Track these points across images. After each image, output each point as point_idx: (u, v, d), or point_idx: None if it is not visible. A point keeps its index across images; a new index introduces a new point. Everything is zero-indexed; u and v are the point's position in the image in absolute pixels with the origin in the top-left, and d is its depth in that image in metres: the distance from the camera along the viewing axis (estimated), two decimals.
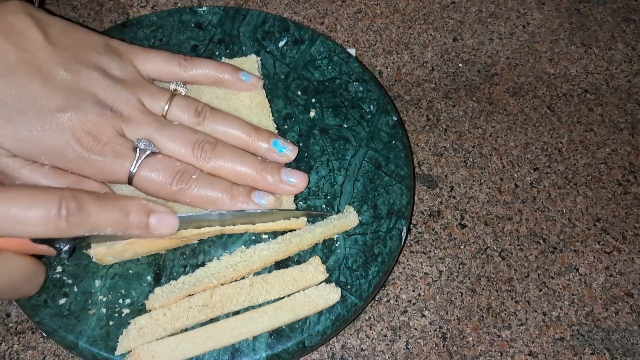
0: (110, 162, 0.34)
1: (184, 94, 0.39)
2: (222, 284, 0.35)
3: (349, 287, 0.36)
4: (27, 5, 0.36)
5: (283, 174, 0.37)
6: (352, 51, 0.48)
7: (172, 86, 0.39)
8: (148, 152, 0.34)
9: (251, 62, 0.42)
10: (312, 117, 0.42)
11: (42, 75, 0.34)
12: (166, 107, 0.37)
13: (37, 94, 0.33)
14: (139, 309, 0.35)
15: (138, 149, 0.34)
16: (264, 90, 0.41)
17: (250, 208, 0.35)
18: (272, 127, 0.40)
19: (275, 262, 0.36)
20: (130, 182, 0.34)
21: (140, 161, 0.34)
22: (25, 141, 0.33)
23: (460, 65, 0.50)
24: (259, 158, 0.37)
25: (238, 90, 0.40)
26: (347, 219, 0.37)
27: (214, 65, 0.40)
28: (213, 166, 0.36)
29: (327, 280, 0.36)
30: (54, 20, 0.36)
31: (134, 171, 0.34)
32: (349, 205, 0.38)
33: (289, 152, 0.38)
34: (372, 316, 0.39)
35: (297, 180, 0.37)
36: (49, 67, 0.34)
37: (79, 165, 0.34)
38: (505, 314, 0.39)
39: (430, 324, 0.38)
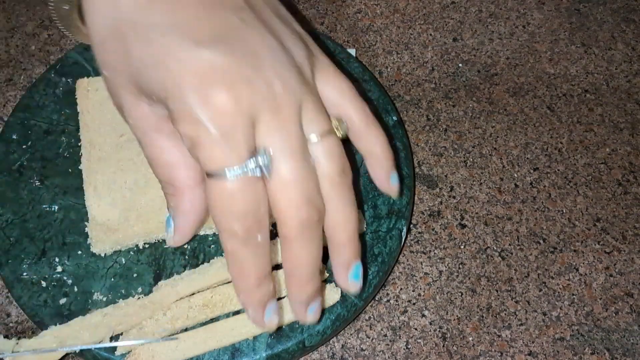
0: (217, 140, 0.26)
1: (340, 136, 0.30)
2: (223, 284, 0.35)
3: None
4: None
5: (312, 303, 0.30)
6: (352, 51, 0.48)
7: (335, 122, 0.30)
8: (258, 172, 0.26)
9: None
10: None
11: (205, 10, 0.27)
12: (315, 139, 0.28)
13: (186, 17, 0.27)
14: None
15: (254, 158, 0.26)
16: None
17: (251, 312, 0.29)
18: None
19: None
20: (207, 177, 0.26)
21: (244, 173, 0.26)
22: (148, 69, 0.27)
23: (460, 65, 0.50)
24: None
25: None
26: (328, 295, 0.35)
27: (383, 146, 0.32)
28: (289, 250, 0.28)
29: (327, 280, 0.36)
30: None
31: (229, 177, 0.26)
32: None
33: (355, 286, 0.31)
34: (372, 316, 0.39)
35: (313, 317, 0.30)
36: (218, 6, 0.27)
37: (181, 116, 0.26)
38: (505, 314, 0.39)
39: (430, 323, 0.38)
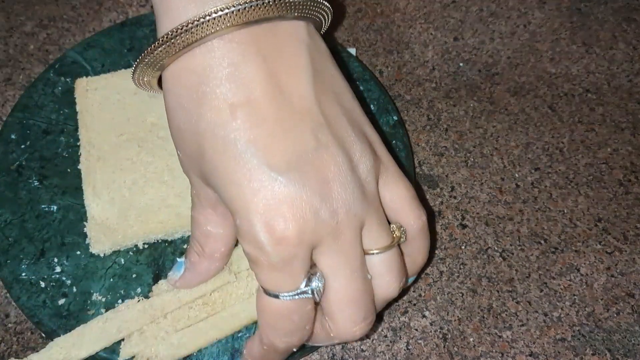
0: (276, 267, 0.27)
1: (399, 242, 0.31)
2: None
3: None
4: (313, 36, 0.29)
5: None
6: (353, 50, 0.48)
7: (397, 232, 0.30)
8: (309, 295, 0.27)
9: None
10: None
11: (282, 122, 0.27)
12: (375, 253, 0.29)
13: (262, 139, 0.26)
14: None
15: (306, 282, 0.27)
16: None
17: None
18: None
19: None
20: (263, 290, 0.28)
21: (296, 296, 0.27)
22: (216, 181, 0.27)
23: (461, 64, 0.50)
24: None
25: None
26: None
27: (424, 256, 0.33)
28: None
29: None
30: (329, 64, 0.30)
31: (281, 298, 0.27)
32: None
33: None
34: None
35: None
36: (297, 117, 0.27)
37: (251, 237, 0.27)
38: (506, 315, 0.39)
39: (431, 324, 0.38)
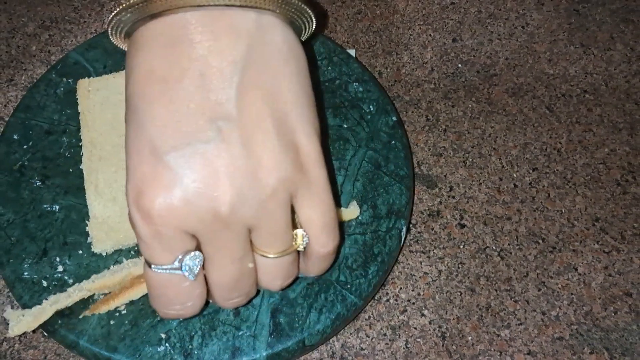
0: (144, 240, 0.27)
1: (300, 248, 0.30)
2: None
3: (348, 286, 0.36)
4: (265, 29, 0.28)
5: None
6: (352, 52, 0.48)
7: (299, 240, 0.30)
8: (181, 271, 0.28)
9: None
10: None
11: (186, 112, 0.27)
12: (261, 254, 0.29)
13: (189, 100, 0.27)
14: (140, 308, 0.35)
15: (182, 259, 0.28)
16: None
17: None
18: None
19: None
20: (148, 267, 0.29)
21: (166, 271, 0.28)
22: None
23: (459, 65, 0.50)
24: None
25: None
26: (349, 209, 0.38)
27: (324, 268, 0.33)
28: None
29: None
30: (278, 63, 0.28)
31: (155, 270, 0.28)
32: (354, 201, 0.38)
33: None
34: (371, 315, 0.39)
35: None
36: (203, 111, 0.27)
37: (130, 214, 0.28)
38: (504, 314, 0.39)
39: (430, 323, 0.39)
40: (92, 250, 0.36)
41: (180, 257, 0.27)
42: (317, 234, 0.29)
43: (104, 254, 0.36)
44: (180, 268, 0.28)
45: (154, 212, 0.26)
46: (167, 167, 0.26)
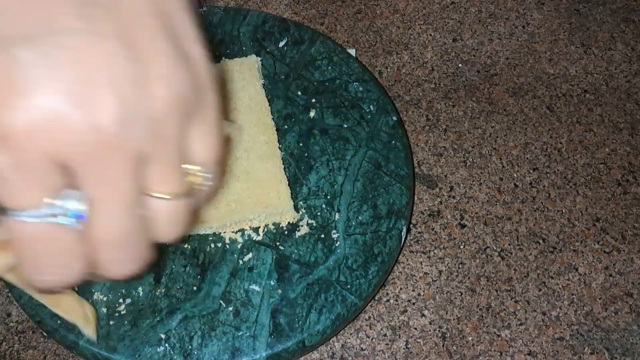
0: (2, 172, 0.19)
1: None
2: None
3: (348, 286, 0.36)
4: None
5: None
6: (352, 51, 0.48)
7: (196, 176, 0.23)
8: (62, 218, 0.21)
9: (251, 63, 0.42)
10: (312, 117, 0.42)
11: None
12: (157, 195, 0.22)
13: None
14: (140, 309, 0.35)
15: (62, 201, 0.21)
16: (264, 90, 0.42)
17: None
18: (271, 126, 0.40)
19: (277, 263, 0.36)
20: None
21: (37, 219, 0.21)
22: None
23: (460, 65, 0.50)
24: None
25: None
26: None
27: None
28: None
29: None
30: None
31: (23, 218, 0.21)
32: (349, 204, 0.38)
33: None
34: (372, 316, 0.39)
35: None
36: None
37: None
38: (504, 314, 0.39)
39: (430, 323, 0.38)
40: None
41: (52, 197, 0.20)
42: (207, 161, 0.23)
43: None
44: (54, 214, 0.20)
45: (10, 132, 0.18)
46: (19, 64, 0.18)
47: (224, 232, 0.37)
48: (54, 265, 0.22)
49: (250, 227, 0.37)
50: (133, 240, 0.22)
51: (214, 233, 0.37)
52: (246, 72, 0.41)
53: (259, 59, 0.43)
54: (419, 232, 0.42)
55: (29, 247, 0.21)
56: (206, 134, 0.23)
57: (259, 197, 0.37)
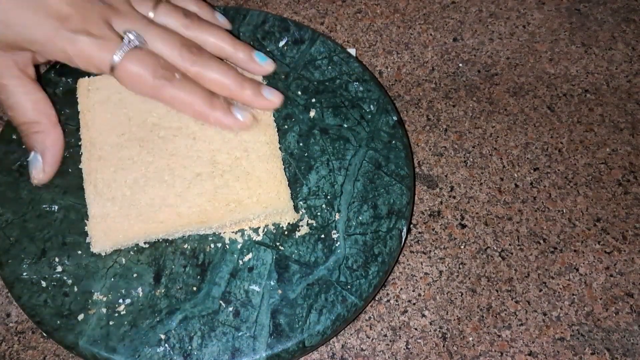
0: (96, 45, 0.34)
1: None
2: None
3: (349, 287, 0.36)
4: None
5: (262, 89, 0.38)
6: (352, 51, 0.48)
7: None
8: (136, 43, 0.35)
9: None
10: (312, 117, 0.42)
11: None
12: (151, 14, 0.37)
13: None
14: (139, 309, 0.35)
15: (126, 38, 0.35)
16: None
17: (226, 122, 0.37)
18: (272, 126, 0.40)
19: (277, 263, 0.36)
20: (112, 71, 0.35)
21: (126, 51, 0.35)
22: (14, 24, 0.34)
23: (460, 65, 0.50)
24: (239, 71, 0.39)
25: (250, 72, 0.40)
26: None
27: (226, 37, 0.39)
28: (197, 70, 0.36)
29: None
30: None
31: (118, 60, 0.35)
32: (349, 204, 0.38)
33: (268, 64, 0.40)
34: (372, 316, 0.39)
35: (273, 97, 0.39)
36: None
37: (63, 47, 0.34)
38: (505, 314, 0.39)
39: (431, 324, 0.38)
40: (91, 250, 0.36)
41: (121, 36, 0.35)
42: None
43: (103, 254, 0.36)
44: (133, 40, 0.35)
45: (70, 11, 0.35)
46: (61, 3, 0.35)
47: (224, 232, 0.37)
48: (180, 88, 0.36)
49: (250, 227, 0.37)
50: (168, 35, 0.37)
51: (214, 233, 0.37)
52: (246, 72, 0.41)
53: None
54: (419, 232, 0.42)
55: (135, 72, 0.35)
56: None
57: (259, 197, 0.36)
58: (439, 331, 0.38)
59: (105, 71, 0.36)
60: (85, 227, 0.37)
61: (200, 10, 0.40)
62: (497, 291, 0.40)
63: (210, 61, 0.37)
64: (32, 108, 0.36)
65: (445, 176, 0.44)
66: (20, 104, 0.36)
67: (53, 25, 0.34)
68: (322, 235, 0.37)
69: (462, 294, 0.39)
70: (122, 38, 0.35)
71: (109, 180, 0.37)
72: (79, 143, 0.40)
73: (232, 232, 0.37)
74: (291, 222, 0.38)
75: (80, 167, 0.39)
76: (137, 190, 0.37)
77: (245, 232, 0.37)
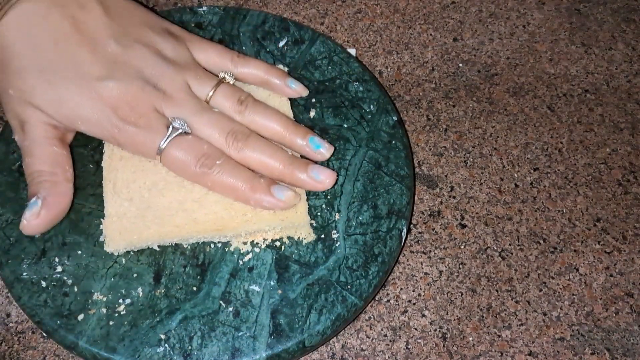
0: (143, 134, 0.35)
1: (231, 82, 0.40)
2: None
3: (349, 287, 0.36)
4: None
5: (311, 171, 0.37)
6: (352, 51, 0.48)
7: (221, 74, 0.39)
8: (180, 131, 0.36)
9: None
10: (312, 117, 0.42)
11: (92, 45, 0.35)
12: (211, 93, 0.38)
13: (83, 61, 0.35)
14: (139, 309, 0.35)
15: (171, 127, 0.36)
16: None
17: (266, 204, 0.36)
18: (289, 113, 0.40)
19: (277, 263, 0.36)
20: (158, 155, 0.36)
21: (171, 138, 0.35)
22: (66, 106, 0.35)
23: (460, 65, 0.50)
24: (290, 153, 0.38)
25: (284, 95, 0.41)
26: None
27: (265, 67, 0.41)
28: (243, 156, 0.36)
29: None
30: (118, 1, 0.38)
31: (163, 146, 0.35)
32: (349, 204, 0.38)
33: (325, 150, 0.38)
34: (372, 316, 0.39)
35: (324, 177, 0.37)
36: (101, 38, 0.36)
37: (112, 134, 0.36)
38: (505, 314, 0.39)
39: (431, 324, 0.38)
40: (105, 249, 0.36)
41: (169, 127, 0.36)
42: (219, 55, 0.41)
43: (115, 253, 0.36)
44: (177, 129, 0.36)
45: (127, 105, 0.36)
46: (116, 83, 0.35)
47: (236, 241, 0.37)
48: (224, 171, 0.36)
49: (264, 238, 0.37)
50: (220, 121, 0.37)
51: None
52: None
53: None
54: (419, 232, 0.42)
55: (181, 159, 0.36)
56: (199, 50, 0.40)
57: (276, 210, 0.36)
58: (439, 331, 0.38)
59: (152, 157, 0.36)
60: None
61: (268, 76, 0.40)
62: (497, 291, 0.40)
63: (257, 146, 0.37)
64: (50, 159, 0.36)
65: (445, 176, 0.44)
66: (41, 152, 0.36)
67: (105, 113, 0.35)
68: (322, 235, 0.37)
69: (462, 294, 0.39)
70: (168, 126, 0.36)
71: (128, 181, 0.37)
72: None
73: (243, 242, 0.37)
74: (305, 238, 0.37)
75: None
76: (155, 193, 0.37)
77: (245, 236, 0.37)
